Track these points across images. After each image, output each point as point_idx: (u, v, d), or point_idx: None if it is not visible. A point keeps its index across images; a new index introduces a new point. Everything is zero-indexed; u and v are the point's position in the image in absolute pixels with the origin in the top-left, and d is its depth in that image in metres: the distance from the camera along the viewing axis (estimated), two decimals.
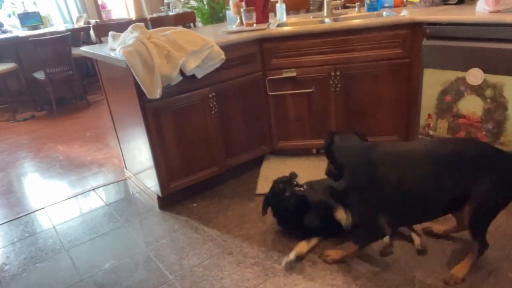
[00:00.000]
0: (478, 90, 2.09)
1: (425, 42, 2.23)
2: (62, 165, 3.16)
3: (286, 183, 1.93)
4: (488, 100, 2.07)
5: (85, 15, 5.94)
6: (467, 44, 2.07)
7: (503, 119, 2.04)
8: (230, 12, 2.78)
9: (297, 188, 1.90)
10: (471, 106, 2.14)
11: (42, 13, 5.57)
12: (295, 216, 1.92)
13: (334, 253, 1.77)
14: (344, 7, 2.95)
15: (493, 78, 2.02)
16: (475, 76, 2.08)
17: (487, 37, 1.99)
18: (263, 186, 2.43)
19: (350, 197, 1.66)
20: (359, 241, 1.69)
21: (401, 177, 1.49)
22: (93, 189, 2.71)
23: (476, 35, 2.03)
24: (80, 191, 2.70)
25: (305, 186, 1.90)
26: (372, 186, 1.54)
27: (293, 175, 1.98)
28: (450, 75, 2.18)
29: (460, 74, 2.13)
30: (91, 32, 5.15)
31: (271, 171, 2.59)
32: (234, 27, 2.63)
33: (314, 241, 1.89)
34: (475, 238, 1.55)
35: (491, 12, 2.04)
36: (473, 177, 1.44)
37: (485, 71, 2.04)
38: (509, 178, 1.45)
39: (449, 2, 2.56)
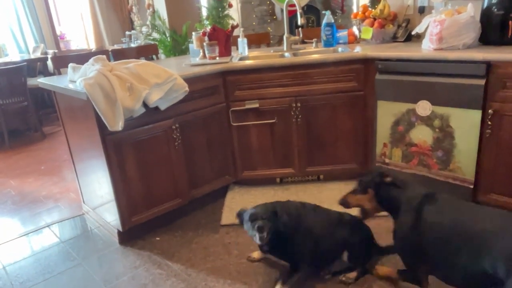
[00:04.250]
0: (427, 121, 2.25)
1: (378, 76, 2.38)
2: (14, 201, 2.97)
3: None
4: (437, 130, 2.22)
5: (42, 45, 5.80)
6: (415, 78, 2.23)
7: (451, 147, 2.19)
8: (193, 45, 2.84)
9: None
10: (422, 135, 2.29)
11: None
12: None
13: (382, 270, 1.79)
14: (302, 42, 3.11)
15: (440, 110, 2.18)
16: (424, 107, 2.24)
17: (432, 72, 2.17)
18: (228, 216, 2.42)
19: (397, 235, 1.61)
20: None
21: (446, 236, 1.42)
22: (47, 226, 2.56)
23: (423, 70, 2.20)
24: (33, 228, 2.54)
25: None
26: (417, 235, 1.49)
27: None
28: (402, 107, 2.33)
29: (410, 106, 2.29)
30: (49, 62, 5.03)
31: (236, 202, 2.59)
32: (197, 60, 2.68)
33: None
34: None
35: (435, 49, 2.23)
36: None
37: (432, 103, 2.20)
38: None
39: (398, 40, 2.78)
